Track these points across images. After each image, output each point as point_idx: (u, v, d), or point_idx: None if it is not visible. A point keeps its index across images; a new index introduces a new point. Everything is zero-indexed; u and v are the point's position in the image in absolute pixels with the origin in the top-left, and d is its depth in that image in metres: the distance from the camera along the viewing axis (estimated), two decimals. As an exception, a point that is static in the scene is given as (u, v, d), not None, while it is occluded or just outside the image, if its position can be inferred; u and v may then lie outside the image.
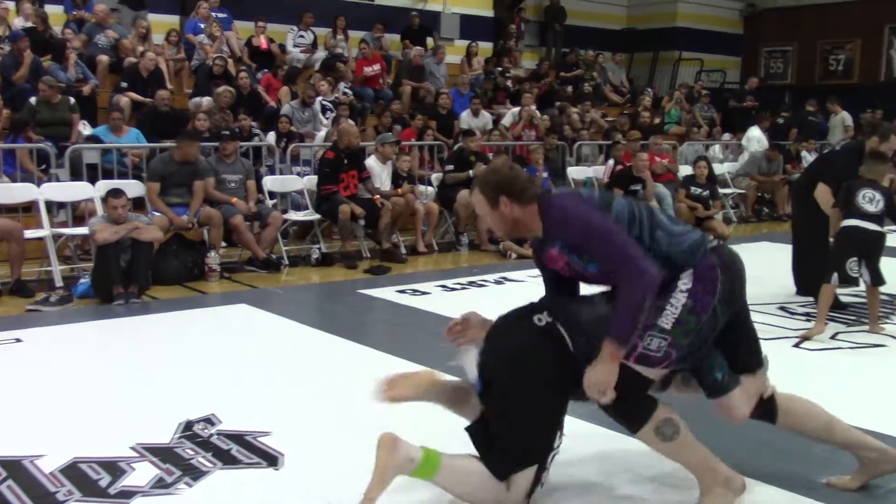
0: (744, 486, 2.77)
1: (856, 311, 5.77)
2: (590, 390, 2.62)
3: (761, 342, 3.02)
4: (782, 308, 5.91)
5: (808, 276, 5.96)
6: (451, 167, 9.01)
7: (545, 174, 9.98)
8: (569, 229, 2.68)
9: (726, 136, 13.79)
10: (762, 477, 3.04)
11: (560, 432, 2.78)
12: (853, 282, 5.10)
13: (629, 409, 2.67)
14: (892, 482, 3.02)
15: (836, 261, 5.11)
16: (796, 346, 4.95)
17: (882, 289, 5.32)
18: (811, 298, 5.76)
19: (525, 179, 2.85)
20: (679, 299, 2.63)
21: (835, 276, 5.08)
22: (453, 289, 6.65)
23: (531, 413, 2.66)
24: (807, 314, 5.70)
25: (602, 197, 2.81)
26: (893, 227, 5.51)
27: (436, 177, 9.41)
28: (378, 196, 8.10)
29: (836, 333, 5.21)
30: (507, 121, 11.64)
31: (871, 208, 5.07)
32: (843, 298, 5.86)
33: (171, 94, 9.48)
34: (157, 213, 7.00)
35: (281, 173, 8.83)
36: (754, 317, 5.43)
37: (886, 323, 5.45)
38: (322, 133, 9.84)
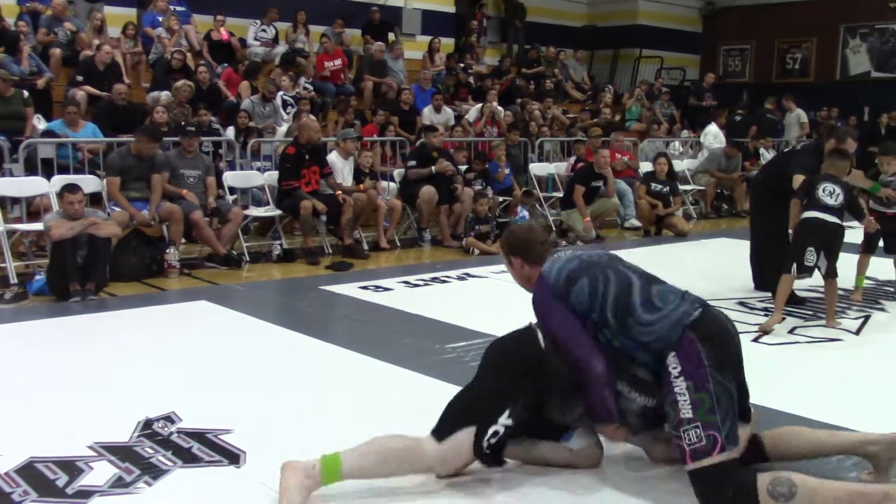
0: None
1: (813, 307, 5.86)
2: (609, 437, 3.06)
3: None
4: (741, 303, 5.99)
5: (767, 271, 6.06)
6: (413, 163, 8.99)
7: (507, 170, 10.01)
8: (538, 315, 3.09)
9: (685, 134, 13.94)
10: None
11: (514, 413, 2.88)
12: (810, 272, 5.18)
13: (736, 498, 2.61)
14: None
15: (795, 251, 5.19)
16: (755, 340, 5.02)
17: (838, 284, 5.42)
18: (770, 294, 5.84)
19: (538, 244, 3.20)
20: (680, 386, 2.73)
21: (794, 266, 5.16)
22: (416, 285, 6.64)
23: (487, 382, 3.01)
24: (765, 309, 5.78)
25: (569, 275, 2.98)
26: (852, 223, 5.60)
27: (398, 173, 9.39)
28: (340, 192, 8.05)
29: (794, 328, 5.29)
30: (471, 116, 11.65)
31: (830, 201, 5.16)
32: (801, 294, 5.95)
33: (129, 88, 9.33)
34: (116, 209, 6.90)
35: (241, 169, 8.74)
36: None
37: (842, 318, 5.54)
38: (283, 128, 9.77)
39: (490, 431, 2.86)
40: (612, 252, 3.27)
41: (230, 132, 9.27)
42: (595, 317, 2.90)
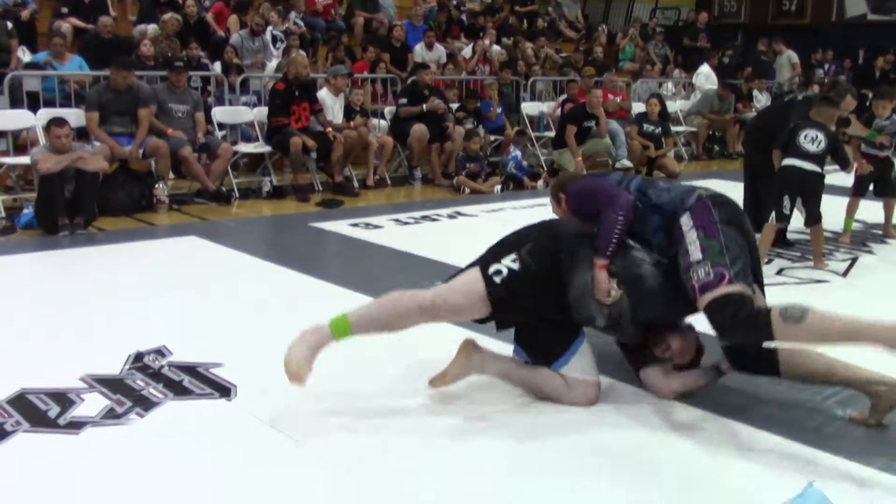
0: None
1: (801, 248, 5.90)
2: (598, 295, 2.98)
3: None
4: (730, 244, 6.00)
5: (760, 218, 6.03)
6: (404, 101, 8.90)
7: (499, 109, 9.93)
8: (577, 200, 3.27)
9: (678, 74, 13.83)
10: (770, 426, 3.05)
11: (519, 258, 3.04)
12: (787, 220, 5.20)
13: (749, 327, 2.73)
14: None
15: (773, 199, 5.20)
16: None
17: (826, 226, 5.44)
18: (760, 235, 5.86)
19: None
20: (690, 236, 2.89)
21: (772, 214, 5.17)
22: (406, 223, 6.63)
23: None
24: (754, 250, 5.80)
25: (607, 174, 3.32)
26: (834, 168, 5.58)
27: (389, 110, 9.30)
28: (330, 129, 7.99)
29: (782, 269, 5.33)
30: (466, 53, 11.51)
31: (811, 148, 5.13)
32: (790, 236, 5.98)
33: (115, 21, 9.16)
34: (99, 143, 6.81)
35: (230, 104, 8.64)
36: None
37: (830, 260, 5.58)
38: (273, 64, 9.64)
39: (492, 269, 3.00)
40: None
41: (218, 67, 9.14)
42: (623, 185, 3.16)
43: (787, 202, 5.14)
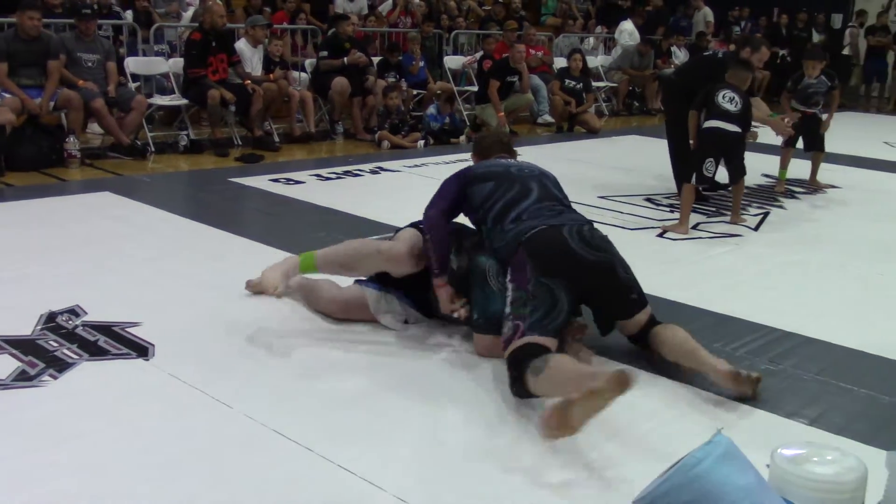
0: (624, 380, 2.38)
1: (716, 203, 6.05)
2: (444, 311, 3.28)
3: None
4: (648, 199, 6.14)
5: (682, 172, 6.17)
6: (325, 53, 8.75)
7: (422, 63, 9.85)
8: None
9: (599, 30, 13.91)
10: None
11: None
12: (709, 182, 5.31)
13: (515, 379, 2.77)
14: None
15: (694, 161, 5.29)
16: (659, 235, 5.17)
17: (747, 181, 5.59)
18: (675, 190, 6.00)
19: (489, 144, 3.67)
20: (508, 287, 3.02)
21: (693, 175, 5.26)
22: (328, 178, 6.57)
23: None
24: (671, 205, 5.94)
25: (485, 173, 3.33)
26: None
27: (309, 63, 9.14)
28: (249, 81, 7.81)
29: (698, 224, 5.46)
30: (386, 6, 11.34)
31: (731, 107, 5.23)
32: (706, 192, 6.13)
33: (19, -35, 8.71)
34: (7, 95, 6.52)
35: (143, 55, 8.36)
36: (621, 207, 5.67)
37: (745, 214, 5.74)
38: (189, 13, 9.34)
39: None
40: (549, 172, 3.42)
41: (130, 16, 8.82)
42: (478, 215, 3.28)
43: (709, 164, 5.21)
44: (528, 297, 2.91)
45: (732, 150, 5.29)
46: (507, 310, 2.95)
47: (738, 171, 5.35)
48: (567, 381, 2.55)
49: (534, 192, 3.22)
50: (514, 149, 3.73)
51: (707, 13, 14.34)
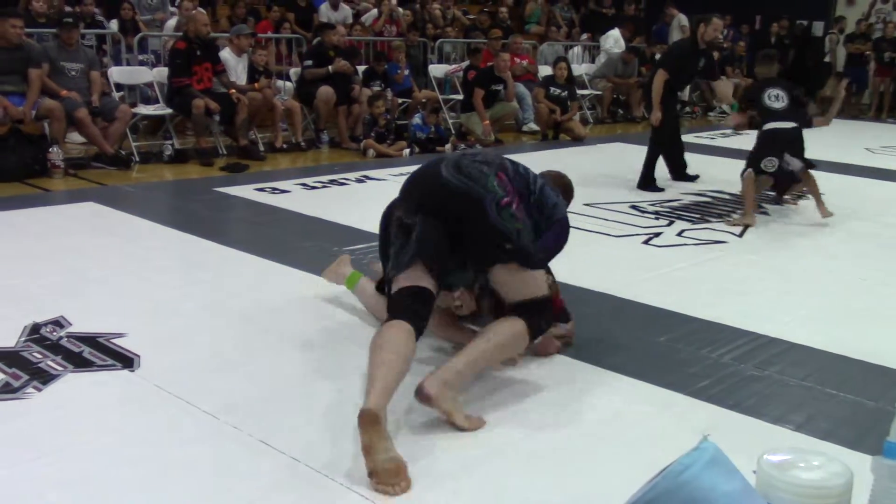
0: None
1: (701, 210, 6.09)
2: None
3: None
4: (633, 206, 6.16)
5: (677, 163, 7.04)
6: (309, 62, 8.75)
7: (406, 71, 9.86)
8: None
9: (584, 38, 13.96)
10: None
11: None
12: (767, 174, 5.65)
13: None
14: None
15: (754, 158, 5.64)
16: (645, 242, 5.19)
17: (719, 189, 5.64)
18: (661, 197, 6.06)
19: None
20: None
21: (749, 170, 5.59)
22: (314, 187, 6.56)
23: None
24: (657, 213, 5.96)
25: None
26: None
27: (294, 72, 9.13)
28: (234, 91, 7.80)
29: (683, 231, 5.49)
30: (371, 15, 11.35)
31: (778, 105, 5.57)
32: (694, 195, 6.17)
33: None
34: (-10, 104, 6.48)
35: (127, 64, 8.33)
36: (606, 214, 5.67)
37: (727, 220, 5.78)
38: (172, 22, 9.32)
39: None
40: (507, 157, 3.28)
41: (114, 25, 8.79)
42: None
43: (768, 162, 5.55)
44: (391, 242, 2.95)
45: (793, 145, 5.50)
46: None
47: (803, 164, 5.56)
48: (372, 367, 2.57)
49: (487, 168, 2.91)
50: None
51: (681, 19, 14.31)
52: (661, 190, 6.74)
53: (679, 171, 7.17)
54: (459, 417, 2.64)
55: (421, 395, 2.61)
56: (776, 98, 5.65)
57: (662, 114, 6.61)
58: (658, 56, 12.54)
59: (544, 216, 3.02)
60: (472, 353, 2.75)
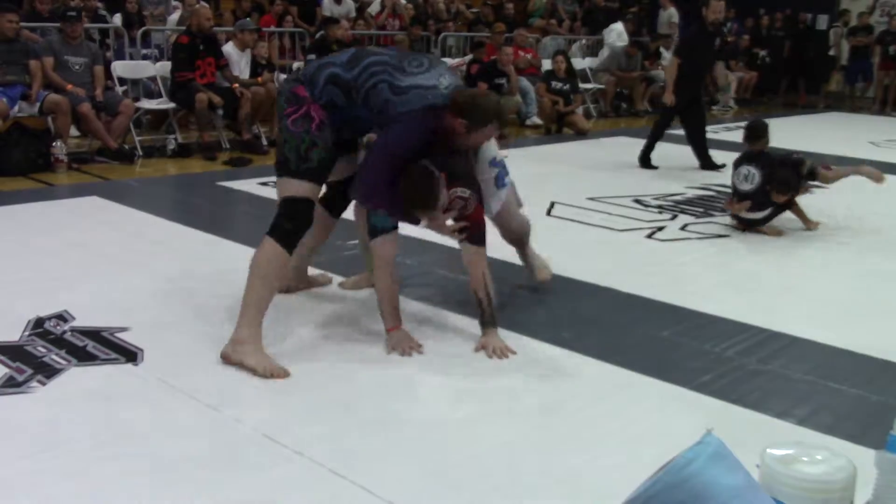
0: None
1: (703, 204, 6.08)
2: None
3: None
4: (637, 200, 6.14)
5: (703, 151, 7.45)
6: (313, 56, 8.74)
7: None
8: None
9: (586, 31, 13.91)
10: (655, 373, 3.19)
11: None
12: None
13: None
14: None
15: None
16: (649, 236, 5.18)
17: (723, 183, 5.63)
18: (664, 191, 6.04)
19: None
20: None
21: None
22: (317, 181, 6.55)
23: None
24: (660, 206, 5.95)
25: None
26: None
27: (297, 66, 9.12)
28: (237, 85, 7.79)
29: (686, 225, 5.48)
30: (373, 9, 11.33)
31: (745, 187, 5.24)
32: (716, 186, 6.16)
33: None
34: (-6, 99, 6.50)
35: (130, 58, 8.33)
36: (610, 208, 5.67)
37: (726, 215, 5.77)
38: (175, 16, 9.32)
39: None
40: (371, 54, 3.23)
41: (118, 19, 8.79)
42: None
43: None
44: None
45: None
46: None
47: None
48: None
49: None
50: None
51: (672, 14, 14.21)
52: (656, 168, 7.26)
53: (705, 160, 7.41)
54: (251, 362, 2.97)
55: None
56: (745, 178, 5.25)
57: (676, 97, 7.13)
58: (662, 49, 12.59)
59: (383, 116, 3.08)
60: (246, 299, 3.09)
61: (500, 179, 3.53)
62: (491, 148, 3.50)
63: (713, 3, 6.91)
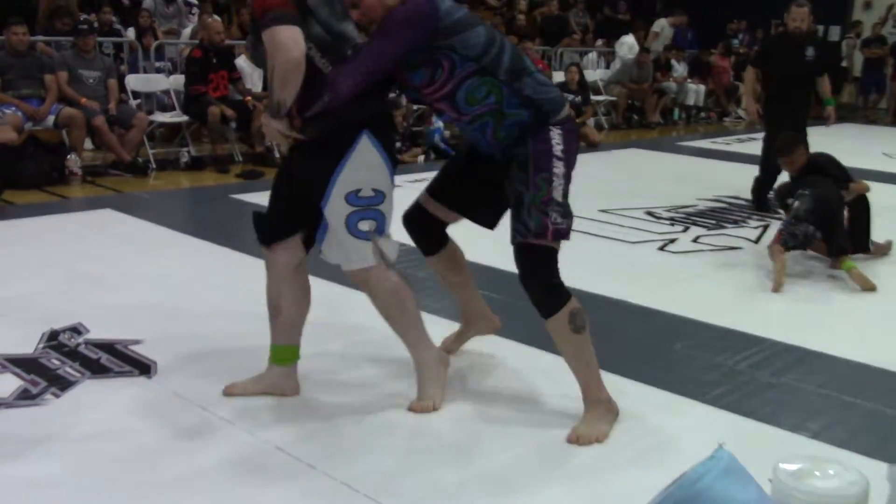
0: (618, 414, 2.77)
1: (715, 216, 6.06)
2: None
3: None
4: (649, 213, 6.14)
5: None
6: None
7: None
8: None
9: (599, 43, 13.93)
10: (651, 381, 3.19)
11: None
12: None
13: (547, 294, 2.69)
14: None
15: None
16: (661, 248, 5.17)
17: (735, 195, 5.60)
18: (676, 202, 6.03)
19: None
20: (559, 168, 2.67)
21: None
22: (329, 194, 6.57)
23: None
24: (671, 219, 5.94)
25: (464, 19, 2.67)
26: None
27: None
28: (250, 98, 7.84)
29: (698, 237, 5.47)
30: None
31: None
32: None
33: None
34: (9, 111, 6.54)
35: (144, 72, 8.39)
36: (622, 220, 5.65)
37: (743, 227, 5.76)
38: (188, 30, 9.38)
39: None
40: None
41: (131, 33, 8.86)
42: (487, 60, 2.62)
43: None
44: (565, 189, 2.68)
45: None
46: (558, 197, 2.65)
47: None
48: (596, 367, 2.77)
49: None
50: None
51: (661, 23, 13.97)
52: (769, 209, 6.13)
53: (761, 201, 6.34)
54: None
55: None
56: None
57: (762, 111, 6.34)
58: (673, 61, 12.60)
59: None
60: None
61: (380, 224, 2.97)
62: (365, 177, 2.90)
63: (793, 10, 5.91)
